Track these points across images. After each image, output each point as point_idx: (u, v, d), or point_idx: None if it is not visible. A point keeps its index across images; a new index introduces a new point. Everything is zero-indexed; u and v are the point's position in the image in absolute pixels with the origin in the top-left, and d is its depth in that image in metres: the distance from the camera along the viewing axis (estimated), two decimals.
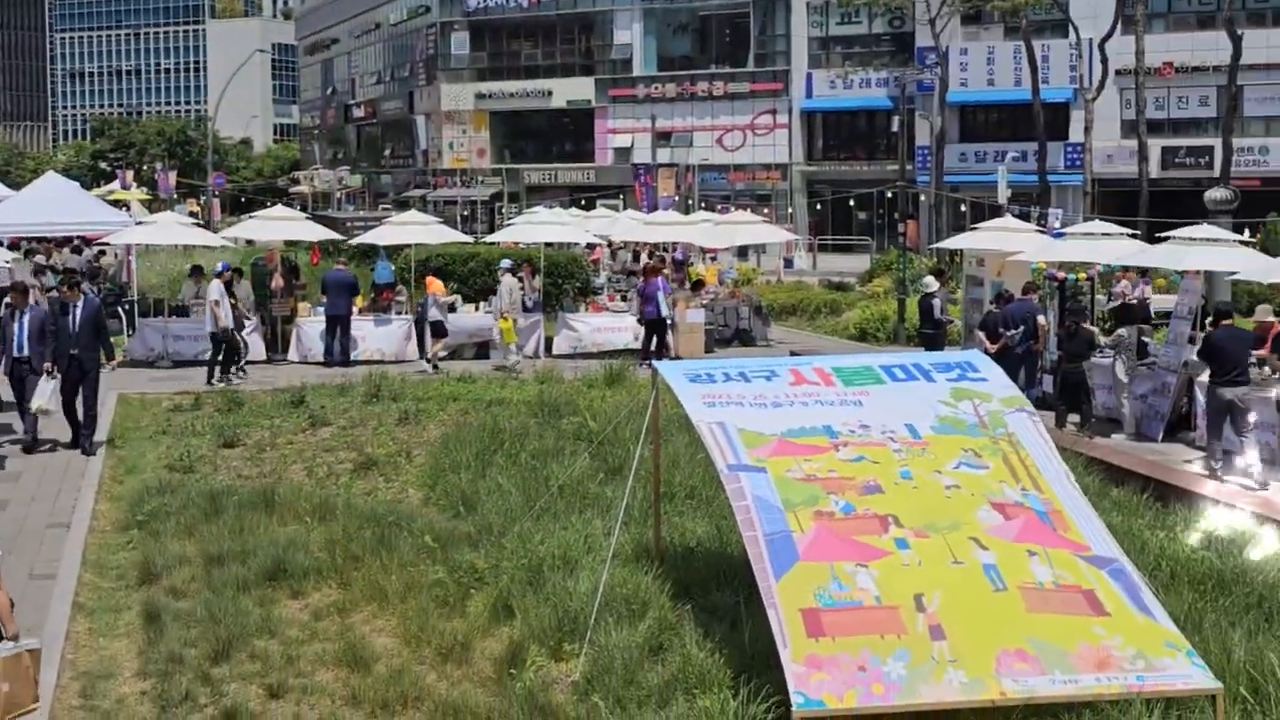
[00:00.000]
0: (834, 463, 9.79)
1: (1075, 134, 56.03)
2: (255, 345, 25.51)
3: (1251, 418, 15.77)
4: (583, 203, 57.40)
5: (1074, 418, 18.82)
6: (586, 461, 14.86)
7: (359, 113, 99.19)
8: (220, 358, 23.42)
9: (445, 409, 19.63)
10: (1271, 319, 17.73)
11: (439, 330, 25.45)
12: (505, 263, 26.68)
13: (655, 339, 25.64)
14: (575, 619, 10.16)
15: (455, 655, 10.22)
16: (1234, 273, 19.06)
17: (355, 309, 26.41)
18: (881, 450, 9.91)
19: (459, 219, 66.28)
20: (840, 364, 11.14)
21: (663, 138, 71.16)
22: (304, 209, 52.36)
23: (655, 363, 12.01)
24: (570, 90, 75.42)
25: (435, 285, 25.78)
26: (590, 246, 36.26)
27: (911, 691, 8.08)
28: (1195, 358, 17.22)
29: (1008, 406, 10.50)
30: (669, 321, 26.10)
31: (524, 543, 11.97)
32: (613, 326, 28.00)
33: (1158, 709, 8.00)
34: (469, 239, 34.42)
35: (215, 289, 23.53)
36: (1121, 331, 19.34)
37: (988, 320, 20.73)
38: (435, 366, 24.72)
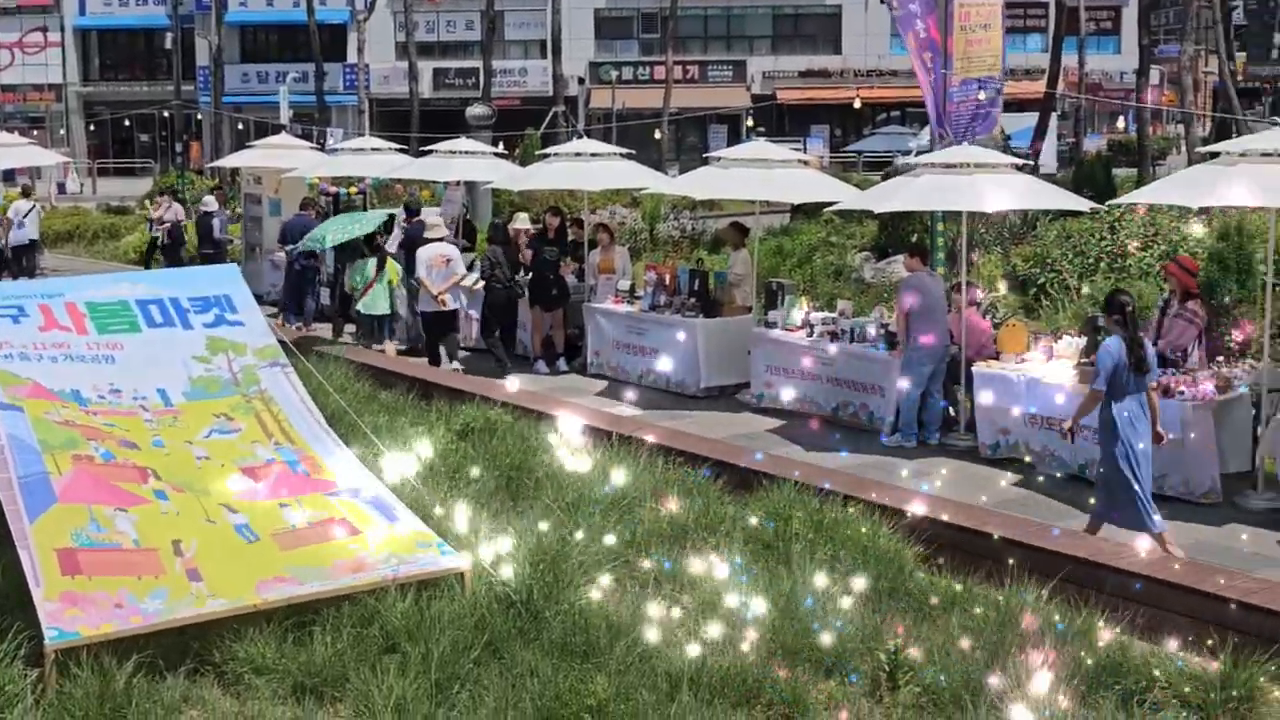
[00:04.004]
0: (90, 420, 9.51)
1: (353, 55, 56.95)
2: None
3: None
4: None
5: (351, 327, 19.35)
6: None
7: None
8: None
9: None
10: (526, 225, 19.07)
11: None
12: None
13: None
14: None
15: None
16: (490, 182, 20.26)
17: None
18: (133, 420, 9.69)
19: None
20: (95, 299, 10.58)
21: None
22: None
23: None
24: None
25: None
26: None
27: (171, 615, 8.09)
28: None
29: (261, 359, 10.53)
30: None
31: None
32: None
33: (411, 592, 8.50)
34: None
35: None
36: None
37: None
38: None
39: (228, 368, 10.37)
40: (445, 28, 59.80)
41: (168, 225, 26.08)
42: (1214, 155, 12.51)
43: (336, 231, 18.27)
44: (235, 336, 10.64)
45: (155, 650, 7.89)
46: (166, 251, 25.88)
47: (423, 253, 17.36)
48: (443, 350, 17.44)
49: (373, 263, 17.40)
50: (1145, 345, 10.35)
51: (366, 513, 9.36)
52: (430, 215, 18.98)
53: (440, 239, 17.60)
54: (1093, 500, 10.68)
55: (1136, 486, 10.13)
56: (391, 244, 19.17)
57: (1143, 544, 9.81)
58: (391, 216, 19.72)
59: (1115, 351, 10.13)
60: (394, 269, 17.63)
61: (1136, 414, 10.18)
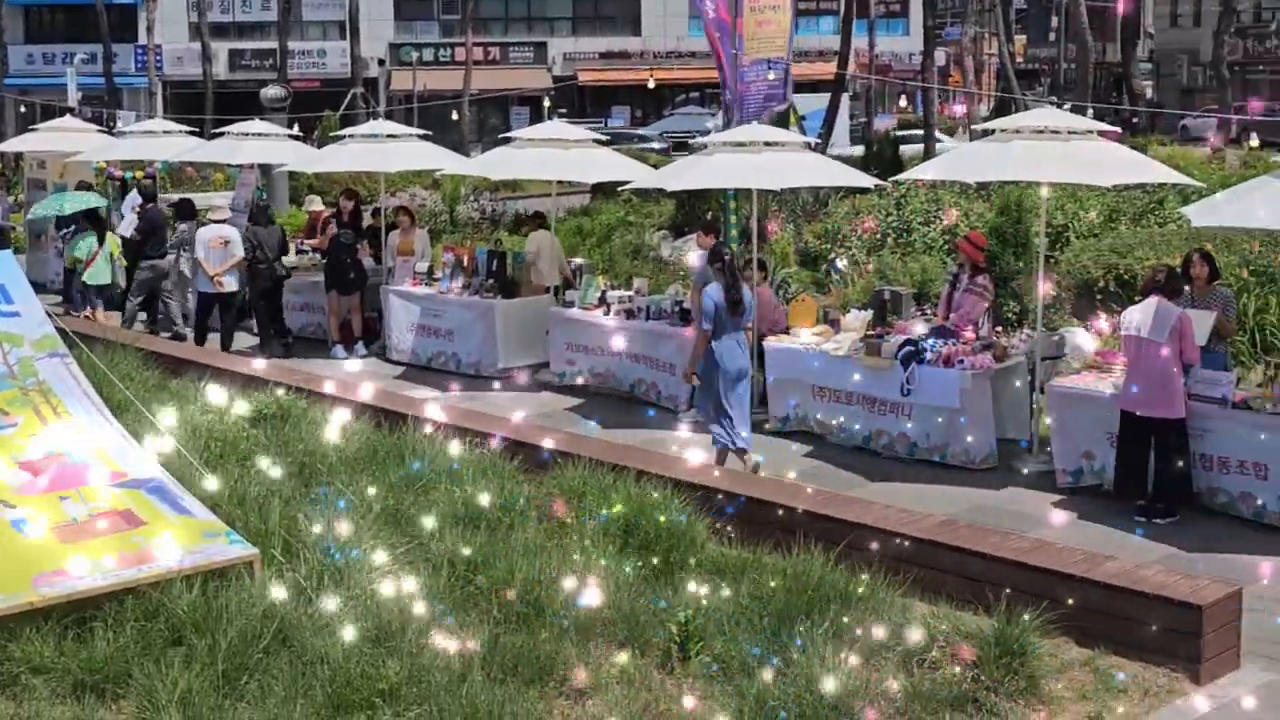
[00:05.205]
0: None
1: (144, 36, 55.24)
2: None
3: None
4: None
5: (143, 316, 18.93)
6: None
7: None
8: None
9: None
10: (321, 208, 18.84)
11: None
12: None
13: None
14: None
15: None
16: (284, 164, 19.91)
17: None
18: None
19: None
20: None
21: None
22: None
23: None
24: None
25: None
26: None
27: None
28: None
29: (39, 351, 10.20)
30: None
31: None
32: None
33: (198, 583, 8.33)
34: None
35: None
36: (183, 228, 19.54)
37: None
38: None
39: (3, 361, 10.02)
40: (240, 8, 58.40)
41: None
42: (990, 132, 12.95)
43: (74, 200, 19.42)
44: (10, 328, 10.28)
45: None
46: None
47: (202, 233, 17.30)
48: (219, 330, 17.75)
49: (94, 236, 18.22)
50: (741, 289, 11.69)
51: (152, 503, 9.15)
52: (216, 199, 18.79)
53: (223, 220, 17.45)
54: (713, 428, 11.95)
55: (730, 409, 11.65)
56: (126, 228, 19.39)
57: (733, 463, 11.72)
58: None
59: (716, 296, 11.50)
60: (114, 242, 18.51)
61: (732, 348, 11.63)
